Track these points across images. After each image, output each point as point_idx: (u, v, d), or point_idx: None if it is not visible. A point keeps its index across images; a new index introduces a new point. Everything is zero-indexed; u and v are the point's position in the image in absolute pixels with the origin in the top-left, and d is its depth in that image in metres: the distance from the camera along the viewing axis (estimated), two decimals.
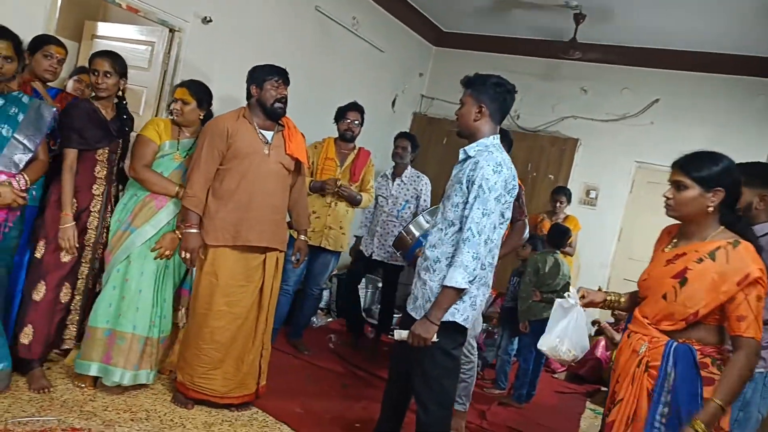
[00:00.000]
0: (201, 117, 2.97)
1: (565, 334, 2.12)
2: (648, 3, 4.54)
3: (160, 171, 2.85)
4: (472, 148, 2.29)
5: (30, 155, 2.43)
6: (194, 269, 2.91)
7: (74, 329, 2.85)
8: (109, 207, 2.84)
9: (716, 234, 1.81)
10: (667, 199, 1.86)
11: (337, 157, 3.96)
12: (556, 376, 4.77)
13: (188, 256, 2.75)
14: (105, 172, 2.79)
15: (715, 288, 1.72)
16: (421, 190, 4.30)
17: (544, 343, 2.15)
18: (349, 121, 3.99)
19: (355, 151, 4.03)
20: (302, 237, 3.17)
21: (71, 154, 2.65)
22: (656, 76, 5.58)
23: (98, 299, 2.79)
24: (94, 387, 2.81)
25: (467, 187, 2.20)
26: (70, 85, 3.44)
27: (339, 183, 3.83)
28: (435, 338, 2.20)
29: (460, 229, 2.21)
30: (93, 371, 2.75)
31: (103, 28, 4.31)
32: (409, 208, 4.28)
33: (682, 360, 1.76)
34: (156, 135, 2.86)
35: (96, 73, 2.71)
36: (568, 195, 5.06)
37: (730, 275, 1.71)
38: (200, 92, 2.94)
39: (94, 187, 2.76)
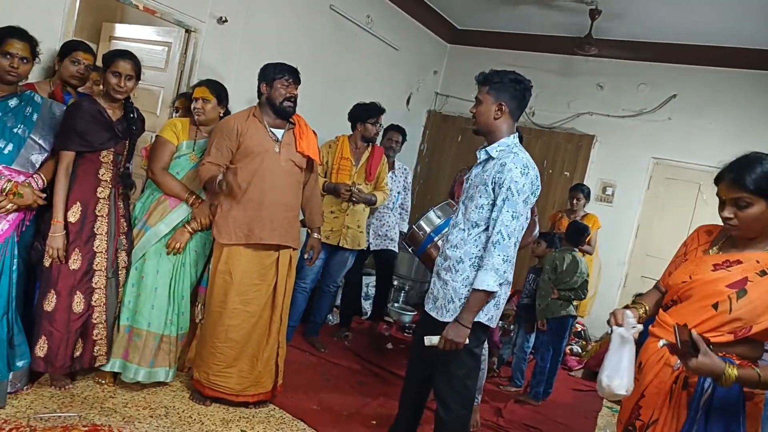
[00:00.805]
0: (221, 114, 2.99)
1: (630, 370, 1.73)
2: None
3: (176, 171, 2.89)
4: (494, 149, 2.26)
5: (45, 155, 2.47)
6: (208, 269, 2.97)
7: (104, 345, 2.74)
8: (119, 211, 2.75)
9: None
10: (728, 219, 1.66)
11: (352, 156, 3.96)
12: (572, 373, 4.74)
13: (225, 186, 2.64)
14: (110, 174, 2.66)
15: None
16: (408, 181, 4.63)
17: (622, 386, 1.69)
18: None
19: (369, 149, 4.03)
20: (315, 235, 3.17)
21: (68, 157, 2.50)
22: (673, 72, 5.51)
23: (122, 297, 2.84)
24: (114, 383, 2.85)
25: (493, 189, 2.19)
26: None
27: (352, 189, 3.82)
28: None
29: (485, 230, 2.21)
30: (113, 367, 2.79)
31: (121, 29, 4.36)
32: (400, 198, 4.51)
33: None
34: (174, 136, 2.90)
35: (117, 76, 2.61)
36: (586, 192, 5.01)
37: None
38: (219, 90, 2.98)
39: (99, 190, 2.64)
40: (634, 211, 5.68)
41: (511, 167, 2.16)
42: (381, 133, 4.42)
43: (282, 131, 2.88)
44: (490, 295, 2.19)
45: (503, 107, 2.26)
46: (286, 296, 2.95)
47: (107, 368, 2.79)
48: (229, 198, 2.78)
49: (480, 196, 2.22)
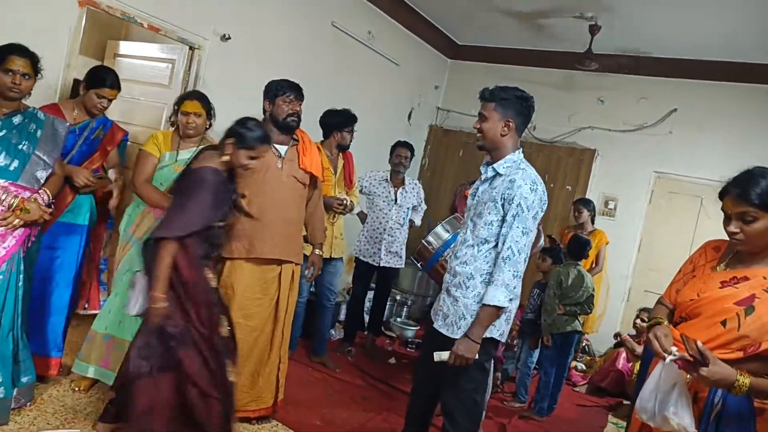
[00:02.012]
0: (207, 128, 2.99)
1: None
2: (664, 13, 4.53)
3: (160, 182, 2.83)
4: (501, 166, 2.28)
5: (49, 170, 2.48)
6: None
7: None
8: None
9: None
10: (734, 233, 1.65)
11: (330, 164, 3.91)
12: (577, 389, 4.71)
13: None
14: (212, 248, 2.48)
15: None
16: (421, 196, 4.62)
17: (692, 424, 1.57)
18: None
19: (341, 156, 4.04)
20: (317, 251, 3.17)
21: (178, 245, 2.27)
22: (674, 86, 5.55)
23: (104, 305, 2.84)
24: (88, 391, 2.85)
25: (502, 206, 2.21)
26: None
27: (345, 202, 3.83)
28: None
29: (495, 246, 2.23)
30: (90, 373, 2.78)
31: (125, 46, 4.41)
32: (410, 213, 4.53)
33: None
34: (156, 149, 2.87)
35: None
36: (589, 206, 4.98)
37: None
38: (208, 104, 2.98)
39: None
40: (636, 224, 5.69)
41: (521, 183, 2.19)
42: (390, 150, 4.47)
43: (285, 147, 2.90)
44: (500, 310, 2.20)
45: (510, 124, 2.27)
46: (288, 311, 2.94)
47: (79, 372, 2.78)
48: None
49: (489, 213, 2.23)
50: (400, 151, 4.43)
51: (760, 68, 5.11)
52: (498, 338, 2.27)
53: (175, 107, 2.93)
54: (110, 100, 2.88)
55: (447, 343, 2.27)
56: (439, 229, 3.31)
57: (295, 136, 2.95)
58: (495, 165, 2.30)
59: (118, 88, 2.90)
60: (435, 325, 2.37)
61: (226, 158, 2.38)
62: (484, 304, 2.18)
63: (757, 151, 4.89)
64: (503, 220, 2.21)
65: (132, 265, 2.78)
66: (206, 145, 2.90)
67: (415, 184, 4.60)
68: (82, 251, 2.85)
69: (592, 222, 5.02)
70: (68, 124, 2.63)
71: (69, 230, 2.80)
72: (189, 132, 2.90)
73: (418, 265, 3.63)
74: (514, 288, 2.19)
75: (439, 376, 2.37)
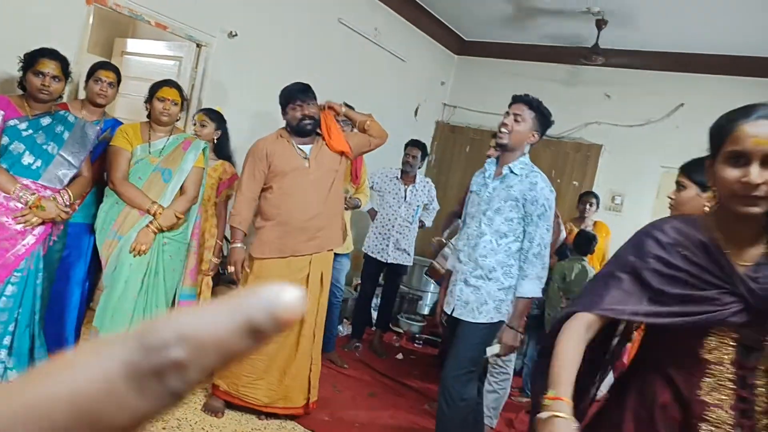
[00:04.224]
0: (178, 118, 2.97)
1: None
2: (670, 7, 4.51)
3: (138, 176, 2.79)
4: (516, 166, 2.43)
5: (74, 171, 2.51)
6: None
7: None
8: None
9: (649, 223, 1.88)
10: (671, 199, 1.97)
11: None
12: None
13: (232, 269, 2.89)
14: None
15: None
16: (432, 195, 4.61)
17: None
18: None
19: None
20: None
21: None
22: (680, 80, 5.52)
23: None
24: None
25: (523, 205, 2.39)
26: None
27: (348, 198, 3.84)
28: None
29: (513, 240, 2.43)
30: None
31: (133, 44, 4.43)
32: (419, 211, 4.54)
33: None
34: (126, 142, 2.80)
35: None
36: (597, 199, 4.94)
37: None
38: (183, 93, 2.97)
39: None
40: (643, 219, 5.58)
41: (543, 186, 2.40)
42: (404, 148, 4.47)
43: (310, 146, 2.93)
44: (532, 299, 2.45)
45: (535, 136, 2.46)
46: (319, 312, 2.94)
47: None
48: (262, 216, 2.90)
49: (510, 210, 2.42)
50: (410, 150, 4.43)
51: (767, 62, 5.08)
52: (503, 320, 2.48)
53: (150, 94, 2.87)
54: (111, 85, 2.82)
55: (468, 327, 2.47)
56: (446, 251, 3.49)
57: (318, 132, 2.98)
58: (511, 165, 2.44)
59: (115, 71, 2.86)
60: (455, 314, 2.50)
61: None
62: (520, 297, 2.41)
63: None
64: (524, 217, 2.41)
65: (119, 263, 2.74)
66: (177, 134, 2.92)
67: (427, 182, 4.60)
68: (91, 250, 2.87)
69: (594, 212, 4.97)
70: (98, 127, 2.65)
71: (79, 229, 2.82)
72: (163, 118, 2.82)
73: (434, 281, 3.77)
74: (544, 278, 2.44)
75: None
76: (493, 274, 2.43)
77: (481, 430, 2.72)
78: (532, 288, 2.40)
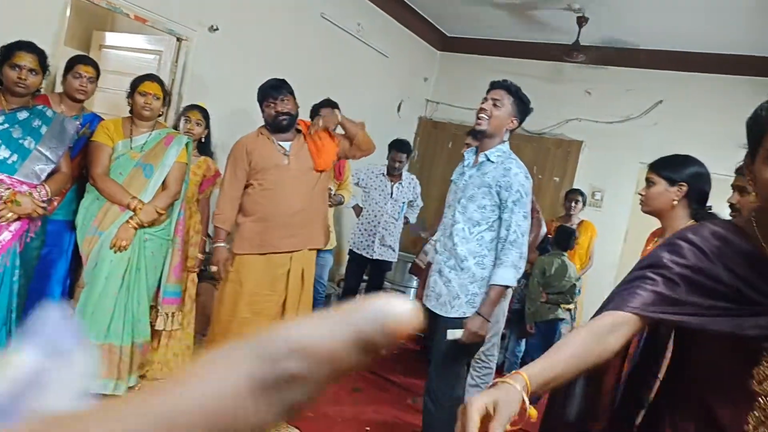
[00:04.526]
0: (160, 113, 2.97)
1: None
2: (650, 5, 4.56)
3: (119, 171, 2.78)
4: (492, 154, 2.37)
5: (52, 166, 2.47)
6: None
7: None
8: None
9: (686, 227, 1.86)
10: (641, 195, 2.05)
11: None
12: None
13: (215, 268, 2.87)
14: None
15: None
16: (417, 191, 4.63)
17: None
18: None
19: None
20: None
21: None
22: (660, 78, 5.59)
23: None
24: None
25: (498, 192, 2.31)
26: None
27: (331, 195, 3.84)
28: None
29: (486, 229, 2.34)
30: None
31: (111, 37, 4.36)
32: (405, 208, 4.57)
33: None
34: (107, 138, 2.78)
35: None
36: (583, 197, 4.93)
37: None
38: (166, 89, 2.99)
39: None
40: (623, 215, 5.74)
41: (517, 171, 2.32)
42: (388, 148, 4.46)
43: (290, 143, 2.92)
44: (506, 288, 2.34)
45: (514, 122, 2.39)
46: (300, 309, 2.91)
47: None
48: (243, 213, 2.89)
49: (483, 198, 2.34)
50: (394, 155, 4.40)
51: (745, 60, 5.16)
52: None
53: (132, 88, 2.85)
54: (90, 80, 2.78)
55: (440, 321, 2.39)
56: (427, 247, 3.49)
57: (298, 127, 2.96)
58: (487, 152, 2.38)
59: (94, 66, 2.83)
60: (428, 306, 2.45)
61: None
62: (493, 284, 2.30)
63: (741, 143, 4.95)
64: (498, 205, 2.32)
65: (100, 259, 2.71)
66: (160, 129, 2.90)
67: (412, 179, 4.62)
68: (72, 247, 2.83)
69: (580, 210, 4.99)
70: (77, 122, 2.61)
71: (59, 226, 2.78)
72: (145, 113, 2.80)
73: (417, 278, 3.79)
74: (520, 267, 2.32)
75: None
76: (465, 263, 2.35)
77: None
78: (507, 275, 2.29)
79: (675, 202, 1.97)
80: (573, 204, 4.86)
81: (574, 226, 4.67)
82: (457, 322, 2.35)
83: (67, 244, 2.82)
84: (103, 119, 2.96)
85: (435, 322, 2.42)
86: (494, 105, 2.35)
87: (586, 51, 5.13)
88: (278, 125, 2.89)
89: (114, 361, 2.72)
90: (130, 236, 2.72)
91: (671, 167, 2.03)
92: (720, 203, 2.21)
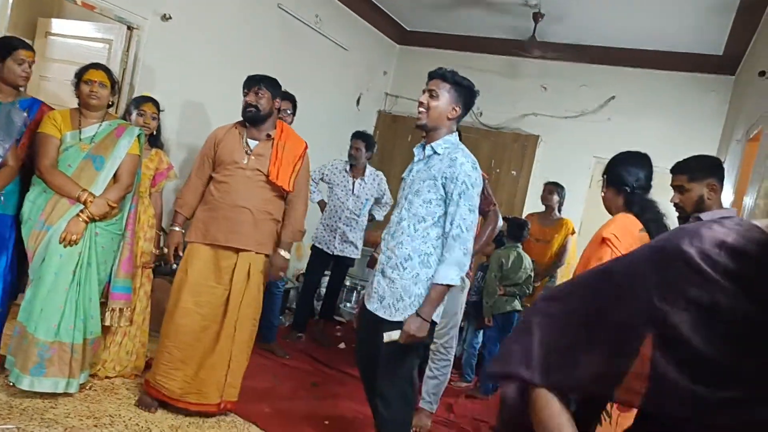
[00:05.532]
0: (110, 103, 2.90)
1: None
2: (604, 2, 4.66)
3: (68, 163, 2.68)
4: (439, 146, 2.28)
5: None
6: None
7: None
8: None
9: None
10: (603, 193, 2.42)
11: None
12: None
13: (166, 250, 2.94)
14: None
15: None
16: (383, 188, 4.58)
17: None
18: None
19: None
20: (280, 251, 2.90)
21: None
22: (613, 74, 5.73)
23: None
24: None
25: (443, 184, 2.21)
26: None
27: None
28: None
29: (432, 225, 2.24)
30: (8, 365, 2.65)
31: (58, 25, 4.20)
32: (369, 204, 4.51)
33: None
34: (55, 129, 2.69)
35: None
36: (561, 191, 4.75)
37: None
38: (113, 77, 2.90)
39: None
40: (577, 209, 5.86)
41: (463, 161, 2.21)
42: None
43: (257, 142, 2.87)
44: (449, 288, 2.21)
45: (456, 110, 2.29)
46: (243, 305, 2.81)
47: (8, 366, 2.64)
48: (201, 202, 2.91)
49: (428, 191, 2.24)
50: (353, 142, 4.40)
51: (695, 58, 5.33)
52: (436, 320, 2.27)
53: (77, 78, 2.75)
54: (31, 64, 2.67)
55: (382, 324, 2.25)
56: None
57: (270, 133, 2.89)
58: (433, 144, 2.30)
59: (33, 50, 2.72)
60: (370, 308, 2.33)
61: None
62: (435, 283, 2.19)
63: (690, 138, 5.13)
64: (444, 199, 2.22)
65: (48, 254, 2.61)
66: (110, 120, 2.82)
67: (377, 175, 4.54)
68: (13, 242, 2.71)
69: (559, 210, 4.83)
70: (25, 114, 2.49)
71: (0, 221, 2.65)
72: (92, 101, 2.72)
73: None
74: (464, 265, 2.21)
75: (375, 359, 2.33)
76: (409, 262, 2.22)
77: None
78: (449, 274, 2.15)
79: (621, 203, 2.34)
80: (548, 195, 4.72)
81: (556, 218, 4.64)
82: (400, 326, 2.22)
83: (8, 239, 2.70)
84: (44, 103, 2.85)
85: (375, 324, 2.28)
86: (431, 96, 2.27)
87: (541, 47, 5.21)
88: (244, 116, 2.87)
89: (65, 359, 2.64)
90: (81, 230, 2.63)
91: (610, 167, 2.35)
92: (669, 199, 2.24)
